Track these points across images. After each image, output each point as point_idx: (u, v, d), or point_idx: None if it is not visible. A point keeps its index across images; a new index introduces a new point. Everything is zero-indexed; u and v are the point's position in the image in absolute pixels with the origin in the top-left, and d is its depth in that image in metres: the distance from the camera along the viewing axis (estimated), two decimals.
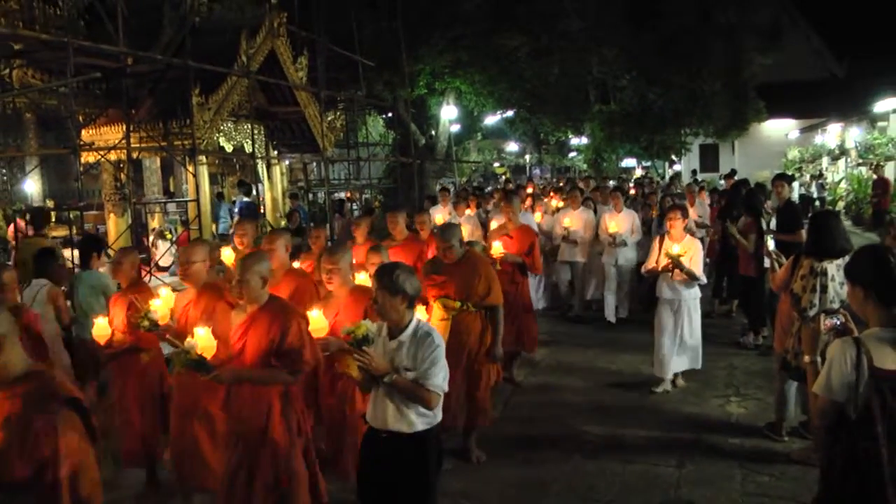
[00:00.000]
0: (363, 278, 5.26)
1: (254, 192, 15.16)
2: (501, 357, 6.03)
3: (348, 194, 21.57)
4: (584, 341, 9.53)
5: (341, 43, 16.97)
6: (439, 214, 11.16)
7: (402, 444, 3.70)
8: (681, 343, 7.30)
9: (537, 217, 10.91)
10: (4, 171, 15.10)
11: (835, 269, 5.36)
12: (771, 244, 6.59)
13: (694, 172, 28.95)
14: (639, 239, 10.51)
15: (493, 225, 8.89)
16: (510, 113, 26.01)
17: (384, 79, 19.95)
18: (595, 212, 11.07)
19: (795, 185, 23.94)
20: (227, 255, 6.47)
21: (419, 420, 3.67)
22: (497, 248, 7.18)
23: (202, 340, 4.05)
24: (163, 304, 4.99)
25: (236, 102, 12.91)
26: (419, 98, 21.89)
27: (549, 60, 21.10)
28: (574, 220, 10.42)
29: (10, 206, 13.00)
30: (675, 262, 6.94)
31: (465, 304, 5.73)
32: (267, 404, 4.26)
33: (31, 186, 15.18)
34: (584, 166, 30.39)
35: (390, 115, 23.63)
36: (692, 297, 7.29)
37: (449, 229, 5.92)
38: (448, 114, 22.51)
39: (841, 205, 21.66)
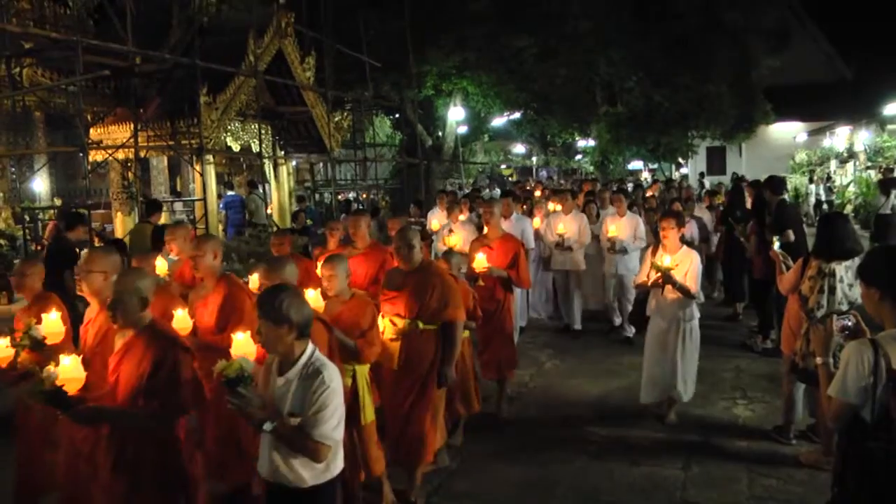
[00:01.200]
0: (312, 295, 4.59)
1: (235, 187, 15.17)
2: (453, 379, 5.27)
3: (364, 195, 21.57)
4: (589, 343, 9.51)
5: (349, 43, 17.01)
6: (436, 219, 10.68)
7: (291, 499, 3.23)
8: (672, 370, 6.38)
9: (536, 222, 10.12)
10: (13, 169, 15.16)
11: (843, 270, 5.35)
12: (776, 246, 6.59)
13: (701, 175, 28.88)
14: (642, 246, 9.35)
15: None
16: (517, 114, 25.98)
17: (391, 79, 19.98)
18: (598, 216, 10.31)
19: (812, 187, 23.92)
20: (160, 265, 5.72)
21: (308, 473, 3.18)
22: (480, 261, 6.53)
23: (66, 370, 3.47)
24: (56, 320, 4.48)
25: (244, 102, 12.95)
26: (426, 99, 21.92)
27: (556, 62, 21.07)
28: (567, 226, 9.56)
29: (18, 204, 13.06)
30: (666, 277, 6.10)
31: (415, 321, 5.10)
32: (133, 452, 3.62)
33: (40, 185, 15.24)
34: (591, 168, 30.33)
35: (397, 115, 23.68)
36: (688, 318, 6.34)
37: (407, 230, 5.37)
38: (455, 115, 22.52)
39: (849, 208, 21.57)
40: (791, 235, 8.07)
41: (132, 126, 11.12)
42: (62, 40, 9.96)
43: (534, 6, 19.67)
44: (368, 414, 4.80)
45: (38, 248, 11.82)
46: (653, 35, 21.23)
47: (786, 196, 9.03)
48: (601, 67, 22.27)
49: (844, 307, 5.20)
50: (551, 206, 11.22)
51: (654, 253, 6.46)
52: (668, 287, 6.19)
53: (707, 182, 25.97)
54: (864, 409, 2.97)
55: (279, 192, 15.37)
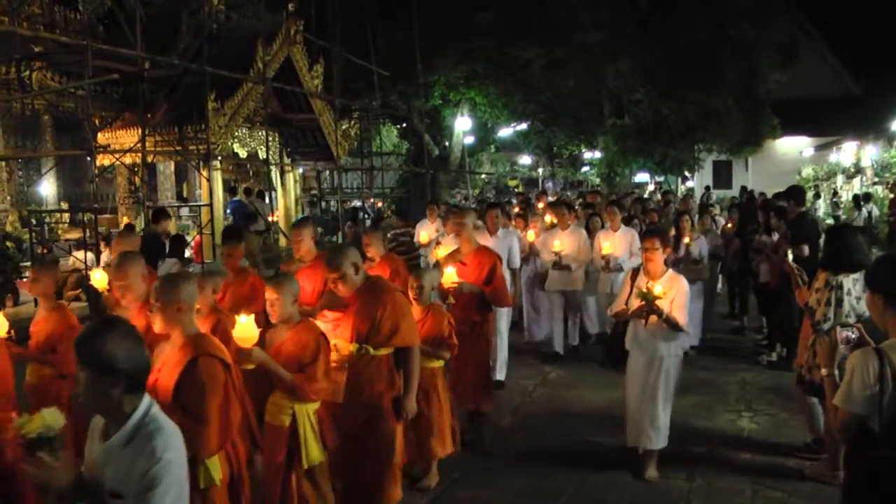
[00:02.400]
0: (244, 322, 3.94)
1: (240, 193, 15.22)
2: (413, 411, 4.59)
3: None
4: (594, 354, 9.45)
5: (357, 52, 17.07)
6: (425, 231, 10.12)
7: None
8: (646, 412, 5.52)
9: (530, 235, 9.32)
10: (21, 173, 15.22)
11: (851, 282, 5.31)
12: (789, 258, 6.54)
13: (707, 189, 28.85)
14: (638, 262, 8.29)
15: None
16: (524, 125, 26.00)
17: (399, 89, 20.06)
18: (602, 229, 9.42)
19: (820, 202, 23.88)
20: (98, 279, 5.71)
21: None
22: (449, 275, 5.80)
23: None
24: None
25: (251, 109, 13.00)
26: (433, 109, 21.97)
27: (563, 73, 21.13)
28: (565, 242, 8.66)
29: (25, 207, 13.10)
30: (649, 306, 5.23)
31: (363, 347, 4.40)
32: None
33: (47, 189, 15.29)
34: (597, 180, 30.32)
35: (404, 125, 23.73)
36: (672, 353, 5.50)
37: (339, 253, 4.50)
38: (462, 125, 22.57)
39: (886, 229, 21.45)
40: (805, 250, 7.97)
41: (140, 131, 11.17)
42: (72, 44, 10.02)
43: (542, 17, 19.71)
44: (313, 453, 4.16)
45: (45, 250, 11.85)
46: (661, 48, 21.26)
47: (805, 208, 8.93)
48: (609, 79, 22.32)
49: (852, 320, 5.15)
50: (548, 218, 10.30)
51: (633, 277, 5.63)
52: (653, 317, 5.30)
53: (714, 195, 25.95)
54: (870, 419, 2.92)
55: (286, 199, 15.39)
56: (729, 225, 10.97)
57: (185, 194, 17.96)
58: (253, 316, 3.98)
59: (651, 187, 35.89)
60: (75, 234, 12.62)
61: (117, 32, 11.73)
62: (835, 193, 25.06)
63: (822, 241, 8.44)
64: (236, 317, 3.98)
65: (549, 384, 8.26)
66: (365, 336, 4.39)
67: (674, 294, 5.34)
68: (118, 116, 12.53)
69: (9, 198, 12.63)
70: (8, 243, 10.64)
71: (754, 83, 23.85)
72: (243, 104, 12.59)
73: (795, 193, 8.71)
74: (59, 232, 13.50)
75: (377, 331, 4.38)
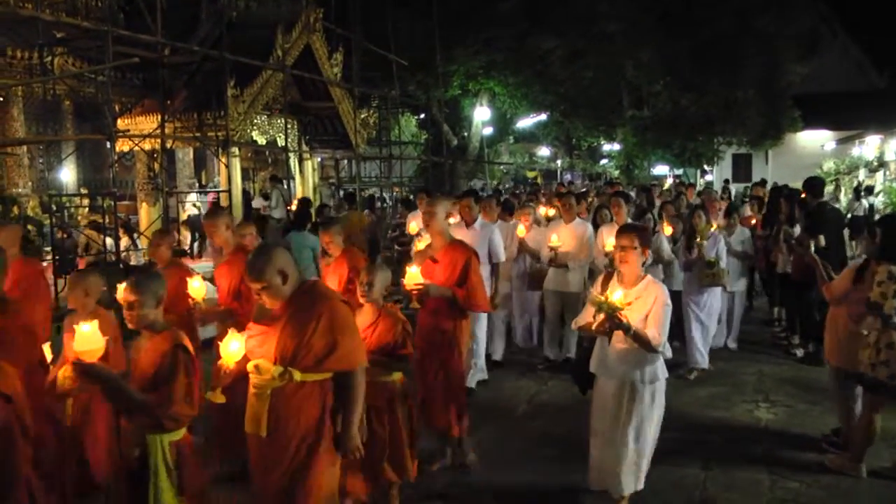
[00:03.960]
0: (86, 330, 3.39)
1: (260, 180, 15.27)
2: (356, 449, 3.65)
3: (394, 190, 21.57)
4: None
5: (376, 41, 17.06)
6: (416, 221, 9.13)
7: None
8: (617, 453, 4.60)
9: (520, 231, 8.34)
10: (42, 159, 15.35)
11: None
12: (811, 249, 6.47)
13: (726, 182, 28.65)
14: (649, 263, 7.31)
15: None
16: (543, 116, 25.92)
17: (418, 79, 20.05)
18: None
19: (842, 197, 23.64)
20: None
21: None
22: (412, 276, 5.07)
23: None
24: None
25: (270, 96, 13.01)
26: (452, 99, 21.97)
27: (583, 64, 21.05)
28: (564, 237, 7.84)
29: (46, 192, 13.20)
30: (611, 320, 4.20)
31: (286, 370, 3.47)
32: None
33: (67, 175, 15.42)
34: (616, 173, 30.19)
35: (423, 115, 23.71)
36: (648, 379, 4.51)
37: (260, 258, 3.51)
38: (481, 115, 22.53)
39: (877, 218, 21.29)
40: (822, 240, 7.91)
41: (159, 117, 11.22)
42: (93, 30, 10.07)
43: (562, 7, 19.64)
44: (164, 497, 3.51)
45: (64, 235, 11.94)
46: (681, 39, 21.14)
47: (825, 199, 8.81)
48: (628, 70, 22.23)
49: None
50: (543, 210, 9.63)
51: (605, 282, 4.68)
52: (619, 334, 4.37)
53: (733, 189, 25.77)
54: None
55: (304, 187, 15.42)
56: (752, 220, 10.72)
57: (203, 181, 18.05)
58: (96, 322, 3.43)
59: (669, 180, 35.70)
60: (95, 218, 12.72)
61: (138, 19, 11.77)
62: (858, 187, 24.76)
63: (846, 232, 8.40)
64: (76, 326, 3.41)
65: (563, 374, 8.20)
66: (290, 357, 3.47)
67: (650, 305, 4.39)
68: (138, 102, 12.59)
69: (30, 183, 12.72)
70: (29, 226, 10.73)
71: (775, 75, 23.70)
72: (262, 91, 12.61)
73: (811, 185, 8.62)
74: (79, 217, 13.60)
75: (306, 350, 3.46)
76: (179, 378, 3.47)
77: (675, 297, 7.99)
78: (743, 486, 5.28)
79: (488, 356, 7.97)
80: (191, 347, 3.63)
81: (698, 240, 7.86)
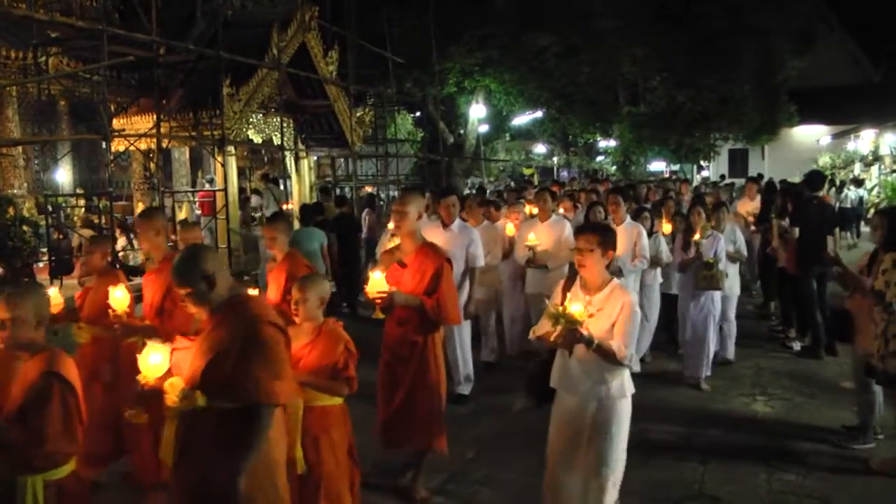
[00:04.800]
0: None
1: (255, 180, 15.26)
2: (239, 497, 2.86)
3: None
4: None
5: (372, 39, 17.06)
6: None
7: None
8: (580, 478, 4.06)
9: (509, 229, 8.03)
10: (37, 160, 15.33)
11: None
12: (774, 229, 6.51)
13: (722, 177, 28.69)
14: (644, 267, 7.39)
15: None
16: (539, 113, 25.93)
17: (414, 76, 20.05)
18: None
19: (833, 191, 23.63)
20: (119, 298, 4.71)
21: None
22: (375, 283, 4.57)
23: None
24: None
25: (266, 95, 13.00)
26: (448, 96, 21.96)
27: (579, 60, 21.06)
28: (542, 236, 7.51)
29: (41, 193, 13.18)
30: (570, 332, 3.66)
31: (193, 391, 2.97)
32: None
33: (63, 176, 15.40)
34: (613, 169, 30.21)
35: (419, 113, 23.70)
36: (614, 395, 3.98)
37: (186, 261, 3.10)
38: (477, 112, 22.52)
39: (872, 212, 21.33)
40: (795, 232, 8.11)
41: (155, 116, 11.20)
42: (87, 29, 10.05)
43: (557, 4, 19.63)
44: None
45: (60, 236, 11.92)
46: (677, 34, 21.16)
47: (821, 193, 8.82)
48: (624, 66, 22.22)
49: None
50: (528, 208, 9.21)
51: (567, 287, 4.17)
52: (581, 347, 3.82)
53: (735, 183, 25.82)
54: None
55: (300, 185, 15.41)
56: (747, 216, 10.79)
57: (200, 181, 18.03)
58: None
59: (666, 176, 35.70)
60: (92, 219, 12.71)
61: (133, 19, 11.75)
62: (833, 180, 24.72)
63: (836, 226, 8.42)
64: None
65: None
66: (199, 378, 2.99)
67: (616, 313, 3.92)
68: (133, 102, 12.57)
69: (25, 184, 12.69)
70: (24, 227, 10.71)
71: (771, 70, 23.70)
72: (258, 90, 12.60)
73: (810, 178, 8.72)
74: (75, 218, 13.59)
75: (215, 373, 2.95)
76: (51, 410, 3.00)
77: (674, 300, 7.99)
78: (741, 478, 5.28)
79: (480, 361, 7.76)
80: (73, 373, 3.17)
81: (696, 237, 7.27)
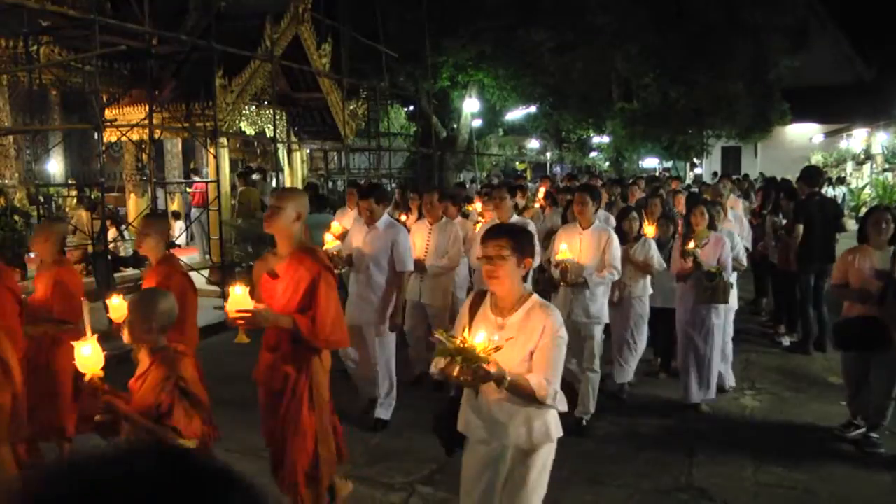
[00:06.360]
0: None
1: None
2: None
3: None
4: None
5: (365, 32, 17.02)
6: (347, 219, 8.08)
7: None
8: None
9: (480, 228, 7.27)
10: (28, 149, 15.26)
11: None
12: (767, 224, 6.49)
13: (715, 175, 28.74)
14: (615, 278, 6.14)
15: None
16: (533, 108, 25.94)
17: (407, 70, 20.03)
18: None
19: (829, 189, 23.72)
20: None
21: None
22: (235, 300, 3.72)
23: None
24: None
25: (259, 87, 12.97)
26: (442, 90, 21.93)
27: (572, 56, 21.06)
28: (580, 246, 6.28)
29: (33, 184, 13.13)
30: (474, 371, 2.87)
31: None
32: None
33: (54, 167, 15.32)
34: (606, 165, 30.24)
35: (412, 107, 23.68)
36: (536, 440, 3.32)
37: None
38: (470, 107, 22.51)
39: (865, 210, 21.40)
40: (799, 229, 8.09)
41: (147, 107, 11.17)
42: (79, 18, 10.00)
43: None
44: None
45: None
46: (671, 31, 21.18)
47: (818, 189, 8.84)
48: (618, 62, 22.23)
49: None
50: (480, 207, 8.42)
51: (475, 304, 3.41)
52: (488, 385, 3.10)
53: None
54: None
55: (293, 178, 15.38)
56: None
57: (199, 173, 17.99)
58: None
59: (657, 174, 35.73)
60: (84, 212, 12.65)
61: (125, 8, 11.70)
62: (842, 180, 24.90)
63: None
64: None
65: None
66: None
67: (535, 338, 3.17)
68: (125, 93, 12.52)
69: (17, 174, 12.64)
70: (16, 217, 10.68)
71: (765, 68, 23.75)
72: (251, 82, 12.57)
73: (807, 174, 8.76)
74: (66, 209, 13.53)
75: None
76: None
77: (667, 315, 7.10)
78: (728, 471, 5.31)
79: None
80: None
81: (691, 246, 6.32)
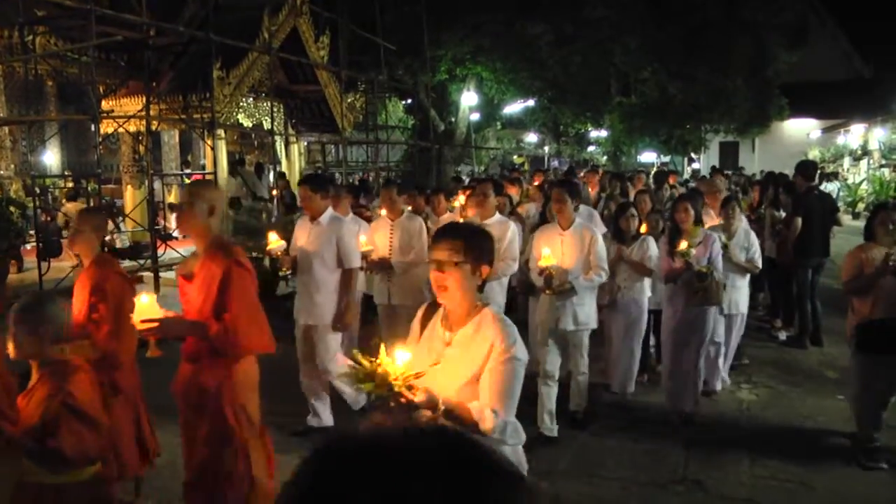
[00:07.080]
0: None
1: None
2: None
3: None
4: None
5: (364, 25, 16.99)
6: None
7: None
8: None
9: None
10: (24, 141, 15.22)
11: None
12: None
13: (713, 169, 28.73)
14: (602, 281, 5.74)
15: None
16: (531, 102, 25.92)
17: (405, 63, 19.98)
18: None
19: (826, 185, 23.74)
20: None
21: None
22: (142, 308, 3.37)
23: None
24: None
25: (257, 79, 12.95)
26: (440, 84, 21.90)
27: (571, 49, 21.02)
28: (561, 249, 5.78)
29: (29, 175, 13.11)
30: (397, 402, 2.46)
31: None
32: None
33: (51, 158, 15.30)
34: (604, 159, 30.24)
35: (410, 100, 23.65)
36: None
37: None
38: (468, 100, 22.48)
39: (861, 206, 21.48)
40: (798, 222, 8.11)
41: (144, 99, 11.13)
42: (75, 8, 9.95)
43: None
44: None
45: (48, 218, 11.87)
46: (670, 26, 21.15)
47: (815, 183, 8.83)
48: (616, 56, 22.20)
49: None
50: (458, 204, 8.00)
51: (427, 317, 2.95)
52: (424, 413, 2.51)
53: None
54: None
55: (290, 171, 15.37)
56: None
57: (189, 164, 17.96)
58: None
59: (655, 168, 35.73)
60: (80, 204, 12.63)
61: (122, 2, 11.66)
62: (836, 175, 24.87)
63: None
64: None
65: None
66: None
67: (481, 359, 2.68)
68: (122, 84, 12.49)
69: (13, 166, 12.62)
70: (12, 208, 10.65)
71: (763, 64, 23.73)
72: (248, 74, 12.55)
73: (803, 168, 8.74)
74: (63, 200, 13.52)
75: None
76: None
77: (654, 317, 6.90)
78: (724, 464, 5.32)
79: None
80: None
81: (682, 246, 5.80)
